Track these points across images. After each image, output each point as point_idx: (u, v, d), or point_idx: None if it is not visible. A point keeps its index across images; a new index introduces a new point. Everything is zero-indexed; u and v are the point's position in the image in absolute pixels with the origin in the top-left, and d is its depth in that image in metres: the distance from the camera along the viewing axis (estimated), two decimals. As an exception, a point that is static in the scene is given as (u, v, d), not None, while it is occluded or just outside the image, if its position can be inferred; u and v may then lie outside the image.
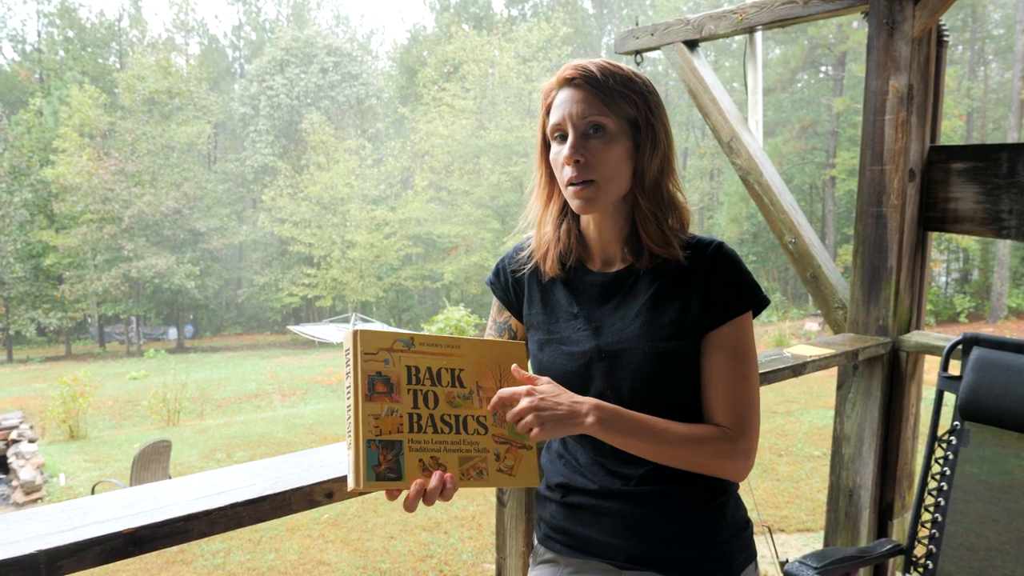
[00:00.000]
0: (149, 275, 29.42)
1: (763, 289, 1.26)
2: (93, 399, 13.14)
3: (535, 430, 1.07)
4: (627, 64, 1.28)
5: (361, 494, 1.01)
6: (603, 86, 1.20)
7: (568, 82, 1.22)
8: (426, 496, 1.01)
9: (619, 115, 1.20)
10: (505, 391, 1.09)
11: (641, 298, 1.25)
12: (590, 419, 1.11)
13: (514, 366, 1.13)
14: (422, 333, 1.09)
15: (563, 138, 1.22)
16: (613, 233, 1.29)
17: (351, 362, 1.03)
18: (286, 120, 35.17)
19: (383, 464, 1.00)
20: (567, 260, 1.32)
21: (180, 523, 1.04)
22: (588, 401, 1.12)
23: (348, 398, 1.03)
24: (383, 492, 1.01)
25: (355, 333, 1.03)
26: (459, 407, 1.08)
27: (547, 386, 1.11)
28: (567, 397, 1.11)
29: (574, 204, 1.23)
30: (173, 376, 16.52)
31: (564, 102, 1.21)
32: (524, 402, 1.08)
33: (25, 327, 29.06)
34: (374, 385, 1.02)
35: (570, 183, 1.21)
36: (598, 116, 1.19)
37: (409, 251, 31.48)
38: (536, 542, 1.40)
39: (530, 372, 1.17)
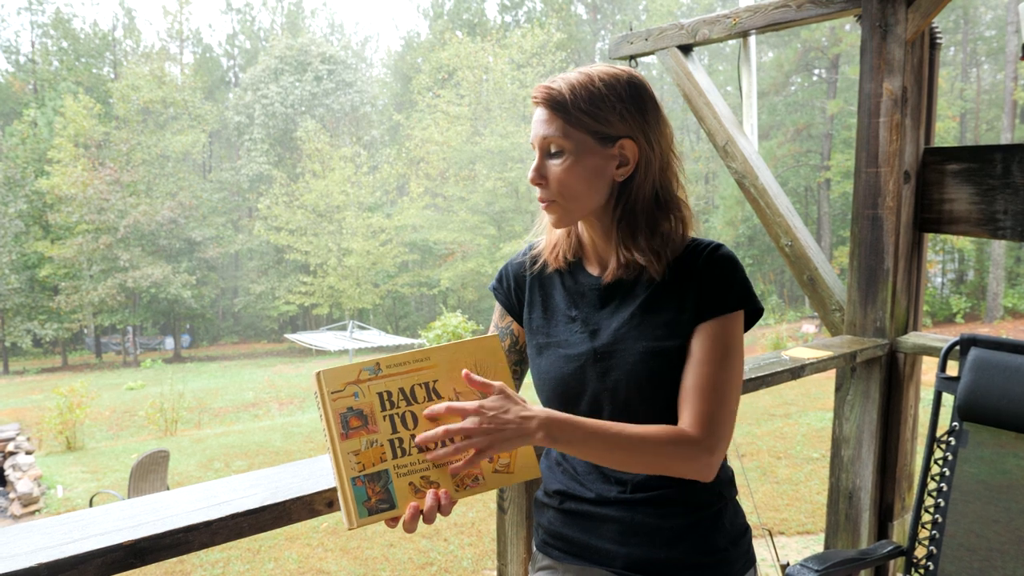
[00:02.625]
0: (145, 285, 29.37)
1: (758, 297, 1.25)
2: (90, 410, 13.11)
3: (485, 450, 1.03)
4: (622, 65, 1.27)
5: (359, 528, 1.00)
6: (565, 107, 1.19)
7: (537, 101, 1.23)
8: (424, 516, 1.01)
9: (583, 132, 1.19)
10: (453, 405, 1.05)
11: (638, 299, 1.25)
12: (540, 434, 1.07)
13: (464, 371, 1.08)
14: (387, 356, 1.07)
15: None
16: (604, 240, 1.29)
17: (320, 404, 1.02)
18: (281, 128, 35.18)
19: (373, 497, 0.99)
20: (570, 257, 1.35)
21: (181, 534, 1.04)
22: (538, 415, 1.07)
23: (326, 440, 1.02)
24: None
25: (318, 375, 1.02)
26: (440, 420, 1.06)
27: (496, 399, 1.07)
28: (516, 411, 1.06)
29: (549, 220, 1.28)
30: (170, 386, 16.48)
31: (535, 122, 1.24)
32: (469, 421, 1.03)
33: (21, 338, 28.99)
34: (347, 421, 1.01)
35: (540, 200, 1.26)
36: (557, 137, 1.20)
37: (405, 258, 31.50)
38: (534, 548, 1.40)
39: (507, 367, 1.15)
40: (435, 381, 1.08)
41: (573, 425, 1.10)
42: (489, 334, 1.28)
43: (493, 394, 1.07)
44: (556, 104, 1.20)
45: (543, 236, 1.38)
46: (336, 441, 1.00)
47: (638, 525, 1.24)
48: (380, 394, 1.04)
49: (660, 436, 1.14)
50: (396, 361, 1.07)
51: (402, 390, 1.06)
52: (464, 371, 1.08)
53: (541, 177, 1.22)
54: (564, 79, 1.21)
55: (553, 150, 1.21)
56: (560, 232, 1.34)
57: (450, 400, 1.07)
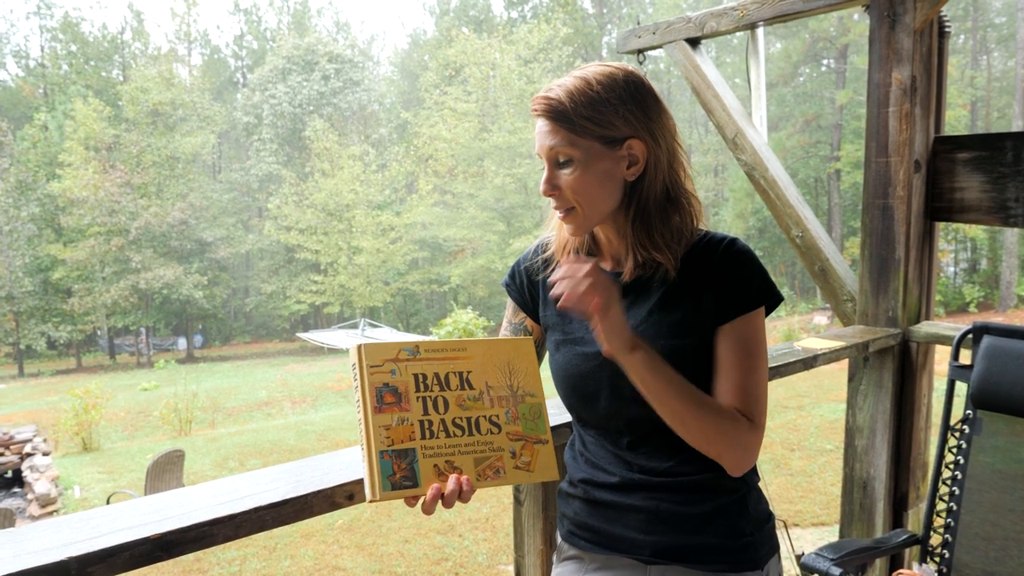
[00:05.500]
0: (157, 286, 29.54)
1: (776, 285, 1.25)
2: (105, 411, 13.19)
3: (597, 300, 1.08)
4: (625, 61, 1.27)
5: (382, 501, 1.02)
6: (568, 116, 1.18)
7: (537, 113, 1.21)
8: (444, 500, 1.03)
9: (590, 139, 1.19)
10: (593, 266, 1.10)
11: (654, 296, 1.25)
12: (638, 351, 1.12)
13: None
14: (427, 340, 1.10)
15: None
16: (619, 239, 1.29)
17: (358, 376, 1.05)
18: (289, 128, 35.28)
19: (398, 473, 1.01)
20: (583, 254, 1.34)
21: (206, 527, 1.06)
22: (634, 336, 1.13)
23: (358, 411, 1.04)
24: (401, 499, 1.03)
25: (359, 348, 1.05)
26: (470, 409, 1.09)
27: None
28: (622, 318, 1.13)
29: (566, 230, 1.28)
30: (184, 386, 16.58)
31: (538, 133, 1.23)
32: (595, 285, 1.09)
33: (35, 341, 29.20)
34: (382, 396, 1.04)
35: (556, 210, 1.25)
36: (564, 147, 1.19)
37: (415, 255, 31.55)
38: (559, 539, 1.41)
39: (537, 370, 1.19)
40: (469, 372, 1.11)
41: (658, 359, 1.14)
42: (507, 334, 1.30)
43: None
44: (558, 114, 1.19)
45: (553, 233, 1.38)
46: (369, 414, 1.03)
47: (664, 513, 1.25)
48: (416, 375, 1.07)
49: (726, 411, 1.17)
50: (435, 347, 1.10)
51: (437, 375, 1.09)
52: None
53: (554, 188, 1.22)
54: (562, 87, 1.20)
55: (562, 160, 1.21)
56: (566, 235, 1.34)
57: (481, 391, 1.11)
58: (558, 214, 1.25)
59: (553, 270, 1.37)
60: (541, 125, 1.22)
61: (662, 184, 1.25)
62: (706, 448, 1.18)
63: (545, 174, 1.23)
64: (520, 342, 1.17)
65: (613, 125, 1.19)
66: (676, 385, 1.14)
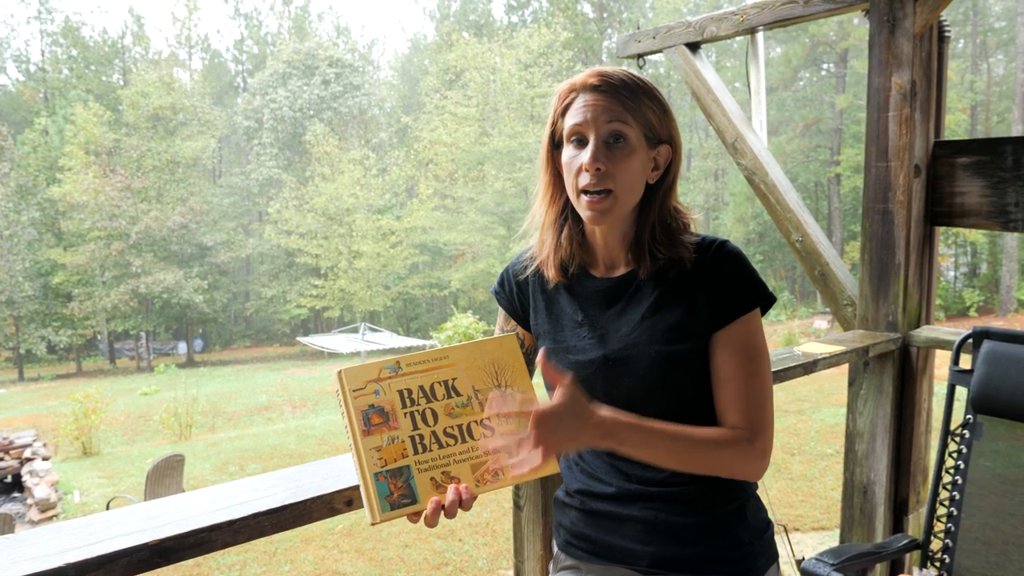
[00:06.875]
0: (157, 290, 29.52)
1: (769, 286, 1.25)
2: (105, 415, 13.19)
3: (550, 449, 1.01)
4: (626, 65, 1.28)
5: (383, 523, 1.02)
6: (629, 94, 1.18)
7: (593, 88, 1.19)
8: (445, 510, 1.02)
9: (640, 126, 1.19)
10: (515, 409, 1.02)
11: (646, 302, 1.24)
12: (607, 443, 1.07)
13: (540, 359, 1.07)
14: (408, 354, 1.09)
15: (580, 143, 1.20)
16: (617, 238, 1.28)
17: (342, 402, 1.04)
18: (290, 132, 35.31)
19: (395, 492, 1.01)
20: (569, 266, 1.31)
21: (204, 533, 1.06)
22: (603, 422, 1.06)
23: (348, 437, 1.04)
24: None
25: (340, 373, 1.05)
26: (460, 416, 1.08)
27: (560, 404, 1.02)
28: (581, 420, 1.04)
29: (587, 215, 1.21)
30: (184, 390, 16.57)
31: (587, 106, 1.18)
32: (533, 435, 1.00)
33: (35, 345, 29.18)
34: (369, 418, 1.03)
35: (585, 191, 1.19)
36: (622, 125, 1.17)
37: (416, 260, 31.55)
38: (556, 548, 1.40)
39: (525, 367, 1.15)
40: (454, 379, 1.09)
41: (635, 428, 1.09)
42: (498, 336, 1.29)
43: (563, 390, 1.03)
44: (621, 91, 1.18)
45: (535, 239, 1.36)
46: (358, 437, 1.02)
47: (661, 523, 1.23)
48: (401, 391, 1.06)
49: (719, 438, 1.16)
50: (416, 360, 1.09)
51: (422, 387, 1.08)
52: (540, 359, 1.07)
53: (600, 162, 1.17)
54: (616, 71, 1.20)
55: (615, 137, 1.18)
56: (550, 242, 1.31)
57: (469, 396, 1.09)
58: (585, 197, 1.19)
59: (543, 278, 1.35)
60: (594, 99, 1.18)
61: (670, 193, 1.26)
62: (716, 475, 1.19)
63: (593, 147, 1.17)
64: (502, 340, 1.15)
65: (660, 121, 1.22)
66: (660, 442, 1.11)
